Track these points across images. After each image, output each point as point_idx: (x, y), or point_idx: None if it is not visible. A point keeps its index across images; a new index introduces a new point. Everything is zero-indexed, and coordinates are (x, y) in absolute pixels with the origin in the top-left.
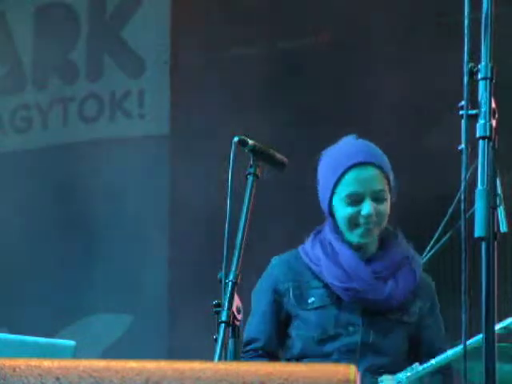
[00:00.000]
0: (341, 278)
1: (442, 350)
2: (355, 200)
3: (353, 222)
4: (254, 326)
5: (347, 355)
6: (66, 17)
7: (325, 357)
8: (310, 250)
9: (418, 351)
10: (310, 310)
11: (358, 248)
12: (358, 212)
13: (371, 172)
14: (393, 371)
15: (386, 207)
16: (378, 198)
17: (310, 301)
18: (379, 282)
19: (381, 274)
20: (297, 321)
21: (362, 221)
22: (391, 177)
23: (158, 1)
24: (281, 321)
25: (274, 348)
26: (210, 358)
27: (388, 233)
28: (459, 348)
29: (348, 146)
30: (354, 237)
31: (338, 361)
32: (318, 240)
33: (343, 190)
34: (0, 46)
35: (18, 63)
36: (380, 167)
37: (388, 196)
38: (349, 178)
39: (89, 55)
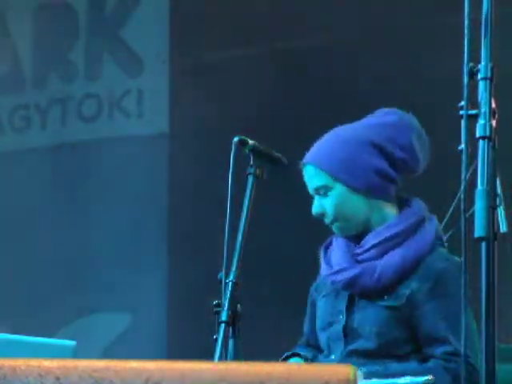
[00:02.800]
0: (325, 267)
1: (445, 341)
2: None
3: None
4: (305, 322)
5: (336, 342)
6: (65, 16)
7: (323, 345)
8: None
9: (418, 340)
10: (320, 299)
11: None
12: None
13: (309, 171)
14: (381, 356)
15: (331, 200)
16: (321, 194)
17: (322, 290)
18: (354, 264)
19: (359, 257)
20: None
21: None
22: (336, 168)
23: (157, 0)
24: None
25: (315, 342)
26: (210, 358)
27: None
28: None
29: None
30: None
31: (329, 348)
32: (330, 238)
33: None
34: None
35: (16, 62)
36: (317, 163)
37: (333, 187)
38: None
39: (88, 55)
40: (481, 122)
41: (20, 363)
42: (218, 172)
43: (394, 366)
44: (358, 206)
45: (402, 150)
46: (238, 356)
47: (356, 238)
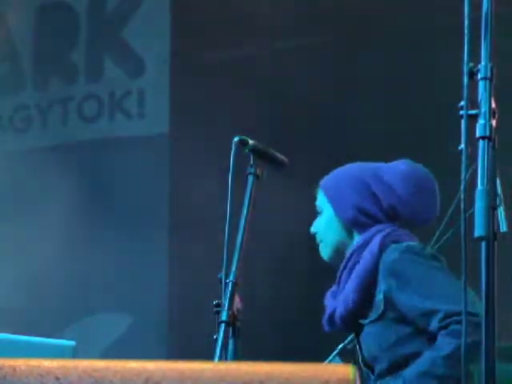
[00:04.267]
0: None
1: (434, 312)
2: None
3: None
4: None
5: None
6: (65, 17)
7: None
8: None
9: (419, 330)
10: None
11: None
12: None
13: (318, 192)
14: (396, 366)
15: (323, 220)
16: (319, 214)
17: None
18: (332, 301)
19: (335, 293)
20: None
21: None
22: (332, 190)
23: (157, 1)
24: None
25: None
26: (210, 358)
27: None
28: None
29: None
30: None
31: None
32: None
33: None
34: (0, 45)
35: (17, 63)
36: (321, 186)
37: (325, 208)
38: None
39: (89, 55)
40: (481, 121)
41: (20, 363)
42: (219, 172)
43: (408, 372)
44: (339, 232)
45: (393, 197)
46: (238, 356)
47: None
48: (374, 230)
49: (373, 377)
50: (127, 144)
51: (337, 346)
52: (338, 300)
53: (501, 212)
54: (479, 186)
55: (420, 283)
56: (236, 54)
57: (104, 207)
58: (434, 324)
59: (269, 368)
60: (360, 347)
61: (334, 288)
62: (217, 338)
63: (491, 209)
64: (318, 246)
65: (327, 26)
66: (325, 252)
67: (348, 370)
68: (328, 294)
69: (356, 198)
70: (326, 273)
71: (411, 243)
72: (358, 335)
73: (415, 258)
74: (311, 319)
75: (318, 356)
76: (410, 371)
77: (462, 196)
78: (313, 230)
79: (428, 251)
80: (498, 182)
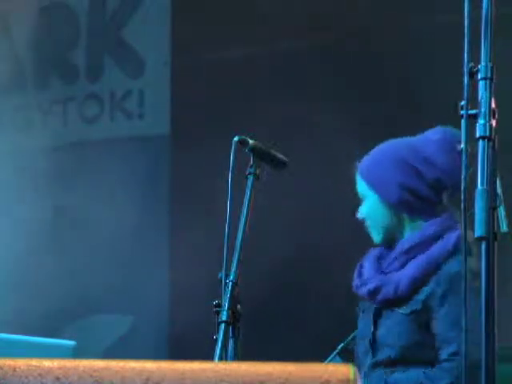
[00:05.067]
0: (356, 280)
1: (450, 342)
2: None
3: None
4: None
5: (365, 356)
6: (66, 17)
7: (356, 359)
8: None
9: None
10: (360, 315)
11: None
12: None
13: (357, 178)
14: (405, 364)
15: (365, 207)
16: (362, 200)
17: (363, 306)
18: (377, 276)
19: (383, 269)
20: None
21: None
22: (372, 179)
23: (157, 1)
24: None
25: None
26: (210, 358)
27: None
28: None
29: None
30: None
31: (359, 362)
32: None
33: None
34: (0, 45)
35: (18, 63)
36: (360, 173)
37: (368, 195)
38: None
39: (89, 55)
40: (481, 121)
41: (20, 363)
42: (219, 172)
43: (396, 375)
44: (387, 217)
45: (436, 169)
46: (238, 356)
47: (390, 250)
48: (441, 221)
49: (372, 358)
50: (127, 144)
51: (337, 346)
52: (388, 278)
53: (501, 212)
54: (479, 186)
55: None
56: (236, 54)
57: (103, 207)
58: (444, 353)
59: (269, 368)
60: (376, 328)
61: (372, 262)
62: (217, 338)
63: (491, 209)
64: (365, 227)
65: (326, 26)
66: (376, 237)
67: (348, 370)
68: (367, 265)
69: (400, 177)
70: (327, 273)
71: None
72: (377, 316)
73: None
74: (311, 319)
75: (318, 356)
76: (398, 376)
77: (462, 196)
78: (360, 216)
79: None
80: (498, 181)
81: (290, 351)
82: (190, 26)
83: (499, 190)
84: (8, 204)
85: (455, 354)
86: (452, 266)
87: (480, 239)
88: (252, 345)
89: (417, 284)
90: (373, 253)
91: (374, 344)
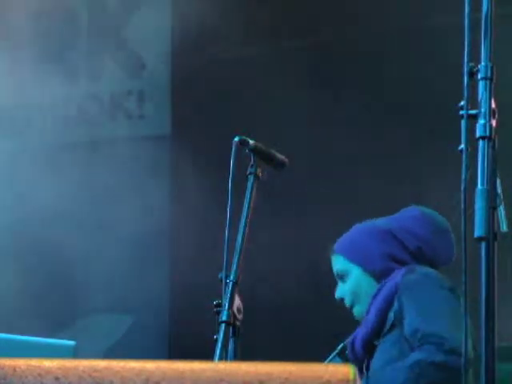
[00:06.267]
0: None
1: (420, 331)
2: None
3: None
4: None
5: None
6: (66, 17)
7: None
8: None
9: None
10: None
11: None
12: None
13: (333, 259)
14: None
15: (349, 284)
16: (342, 279)
17: None
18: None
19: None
20: None
21: None
22: (353, 251)
23: (157, 1)
24: None
25: None
26: (210, 358)
27: None
28: None
29: None
30: None
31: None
32: None
33: None
34: (0, 45)
35: (18, 63)
36: (339, 251)
37: (351, 271)
38: None
39: (89, 55)
40: (481, 121)
41: (20, 363)
42: (219, 172)
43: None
44: (371, 286)
45: (417, 239)
46: (238, 356)
47: None
48: (398, 270)
49: None
50: (127, 144)
51: (337, 346)
52: (360, 327)
53: (501, 212)
54: (479, 186)
55: (425, 306)
56: (236, 54)
57: (104, 208)
58: (415, 343)
59: (269, 368)
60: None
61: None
62: (217, 338)
63: (491, 209)
64: (350, 310)
65: (326, 27)
66: (361, 310)
67: (348, 370)
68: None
69: (384, 247)
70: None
71: (432, 271)
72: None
73: (430, 283)
74: (311, 319)
75: (318, 356)
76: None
77: (462, 196)
78: (339, 296)
79: (446, 282)
80: (498, 181)
81: (290, 351)
82: (190, 26)
83: (499, 190)
84: (6, 204)
85: (424, 336)
86: (405, 278)
87: (480, 239)
88: (252, 345)
89: (384, 312)
90: None
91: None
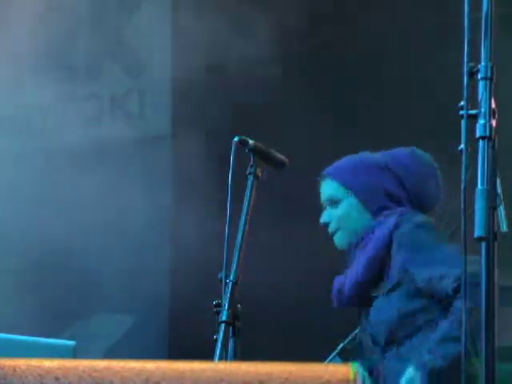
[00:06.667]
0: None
1: (447, 276)
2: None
3: None
4: None
5: (360, 351)
6: (66, 16)
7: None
8: None
9: (434, 300)
10: None
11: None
12: None
13: (323, 183)
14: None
15: (340, 210)
16: (331, 204)
17: None
18: (339, 278)
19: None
20: None
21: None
22: (350, 179)
23: (158, 1)
24: None
25: None
26: (210, 358)
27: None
28: None
29: None
30: None
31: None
32: None
33: None
34: (0, 45)
35: (17, 63)
36: (334, 175)
37: (345, 198)
38: None
39: (89, 55)
40: (481, 121)
41: (20, 363)
42: (219, 172)
43: (429, 340)
44: (362, 218)
45: (414, 177)
46: (238, 356)
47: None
48: (389, 212)
49: (376, 348)
50: (127, 145)
51: (337, 346)
52: (346, 275)
53: (501, 212)
54: (479, 186)
55: (431, 253)
56: (236, 54)
57: (103, 207)
58: (447, 288)
59: (269, 368)
60: (364, 323)
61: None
62: (217, 338)
63: (491, 209)
64: (332, 236)
65: (326, 27)
66: (343, 240)
67: (348, 370)
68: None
69: (381, 181)
70: (327, 273)
71: (425, 219)
72: (364, 309)
73: (427, 231)
74: (311, 319)
75: (318, 356)
76: (432, 339)
77: (462, 196)
78: (325, 220)
79: (440, 232)
80: (498, 181)
81: (290, 351)
82: (190, 26)
83: (499, 190)
84: (4, 206)
85: (456, 280)
86: (401, 230)
87: (480, 239)
88: (252, 345)
89: (376, 264)
90: None
91: (365, 338)
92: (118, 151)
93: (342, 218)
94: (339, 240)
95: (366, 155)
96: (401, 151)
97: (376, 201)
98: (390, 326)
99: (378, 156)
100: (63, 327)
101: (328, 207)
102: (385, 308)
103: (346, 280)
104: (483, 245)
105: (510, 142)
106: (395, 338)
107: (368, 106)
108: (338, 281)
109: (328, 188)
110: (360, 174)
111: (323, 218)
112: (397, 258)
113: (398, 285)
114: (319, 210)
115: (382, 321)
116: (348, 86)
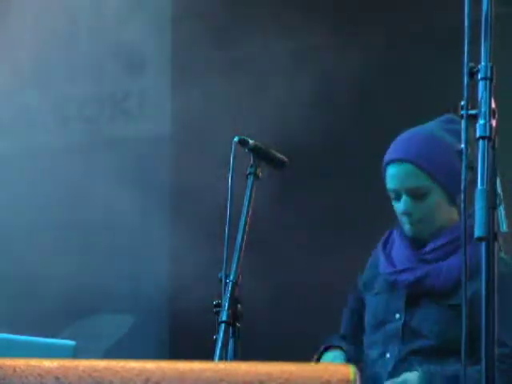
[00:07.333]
0: (387, 265)
1: (501, 343)
2: (395, 196)
3: (399, 217)
4: (344, 314)
5: (392, 340)
6: (66, 16)
7: (374, 343)
8: (380, 242)
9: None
10: (371, 296)
11: (413, 239)
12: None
13: (406, 169)
14: (439, 355)
15: (428, 203)
16: (415, 195)
17: (374, 287)
18: (419, 264)
19: (425, 257)
20: (365, 307)
21: (402, 218)
22: (439, 171)
23: (158, 0)
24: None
25: (352, 335)
26: (210, 358)
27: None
28: None
29: (396, 139)
30: (404, 230)
31: (383, 346)
32: (389, 233)
33: (387, 185)
34: (0, 45)
35: (18, 63)
36: (418, 164)
37: (432, 191)
38: (388, 174)
39: (89, 55)
40: (481, 121)
41: (20, 363)
42: (219, 172)
43: (451, 367)
44: (450, 211)
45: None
46: (238, 356)
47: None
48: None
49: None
50: (127, 144)
51: None
52: (434, 268)
53: (501, 212)
54: (479, 186)
55: (508, 307)
56: (236, 54)
57: (103, 207)
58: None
59: (269, 368)
60: (408, 314)
61: (424, 249)
62: (217, 338)
63: (491, 209)
64: (411, 225)
65: (328, 26)
66: (425, 232)
67: (348, 370)
68: (408, 251)
69: (458, 165)
70: (327, 272)
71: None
72: (409, 302)
73: None
74: (312, 319)
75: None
76: (453, 368)
77: (462, 196)
78: (409, 210)
79: None
80: (498, 181)
81: (290, 351)
82: (191, 26)
83: (499, 190)
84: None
85: (508, 356)
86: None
87: (480, 239)
88: (252, 345)
89: (458, 278)
90: (398, 239)
91: (404, 330)
92: (117, 151)
93: (430, 212)
94: (420, 231)
95: (440, 135)
96: (457, 127)
97: (458, 187)
98: (434, 336)
99: (449, 138)
100: (63, 327)
101: (410, 196)
102: (436, 320)
103: (434, 274)
104: (483, 245)
105: (510, 142)
106: (431, 347)
107: (368, 105)
108: (414, 266)
109: (412, 178)
110: (446, 165)
111: (406, 207)
112: (475, 284)
113: (458, 306)
114: (319, 210)
115: (427, 326)
116: (348, 86)
